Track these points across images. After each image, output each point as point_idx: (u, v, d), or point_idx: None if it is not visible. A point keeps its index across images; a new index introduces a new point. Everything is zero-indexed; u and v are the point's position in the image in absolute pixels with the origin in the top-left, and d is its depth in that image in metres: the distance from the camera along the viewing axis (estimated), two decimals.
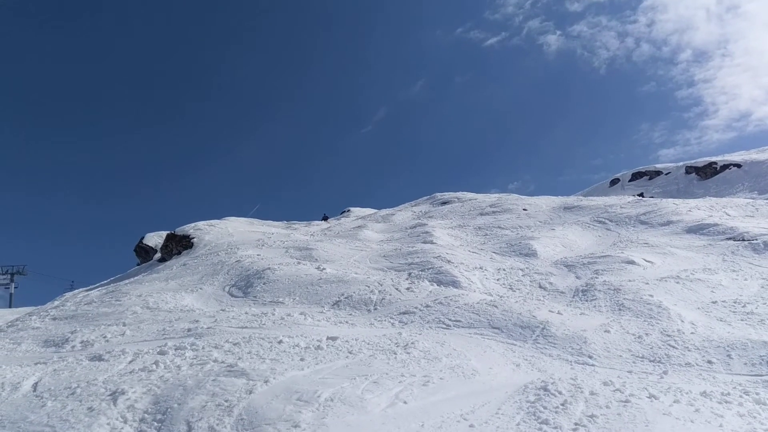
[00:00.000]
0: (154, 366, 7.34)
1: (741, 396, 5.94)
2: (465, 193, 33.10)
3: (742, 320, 9.11)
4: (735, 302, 10.04)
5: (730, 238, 14.98)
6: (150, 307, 12.06)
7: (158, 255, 25.11)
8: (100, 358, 8.09)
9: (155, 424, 5.62)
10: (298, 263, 15.59)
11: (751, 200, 22.32)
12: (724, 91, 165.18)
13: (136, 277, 18.72)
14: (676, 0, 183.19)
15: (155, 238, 27.13)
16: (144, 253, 27.13)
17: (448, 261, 14.50)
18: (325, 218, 35.85)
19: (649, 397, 5.70)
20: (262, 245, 19.90)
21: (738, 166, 41.32)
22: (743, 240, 14.52)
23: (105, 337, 9.63)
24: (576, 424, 5.10)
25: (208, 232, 24.09)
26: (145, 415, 5.82)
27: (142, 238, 27.66)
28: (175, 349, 8.16)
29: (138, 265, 26.79)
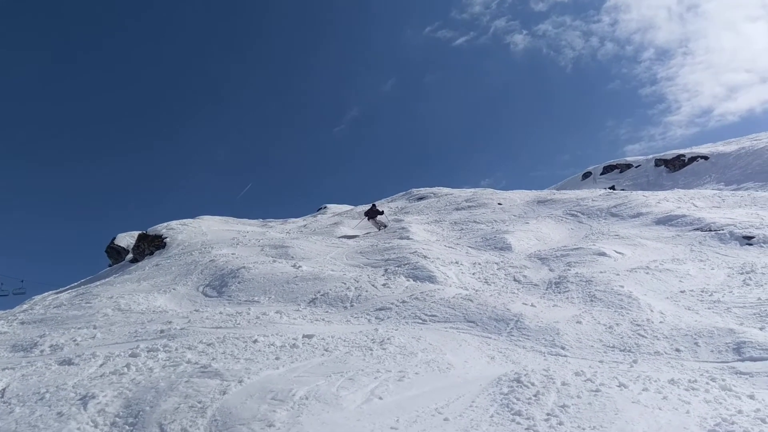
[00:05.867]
0: (125, 369, 7.21)
1: (708, 383, 6.10)
2: (441, 188, 33.20)
3: (709, 309, 9.37)
4: (702, 291, 10.31)
5: (697, 229, 15.36)
6: (122, 309, 11.84)
7: (130, 256, 24.67)
8: (69, 362, 7.91)
9: (127, 428, 5.52)
10: (274, 261, 15.47)
11: (718, 191, 22.91)
12: (686, 89, 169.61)
13: (107, 279, 18.37)
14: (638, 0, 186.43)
15: (127, 239, 26.64)
16: (115, 254, 26.63)
17: (425, 256, 14.57)
18: (372, 213, 21.67)
19: (618, 386, 5.82)
20: (237, 244, 19.69)
21: (705, 158, 42.30)
22: (710, 230, 14.90)
23: (75, 340, 9.43)
24: (548, 414, 5.18)
25: (181, 231, 23.76)
26: (117, 419, 5.71)
27: (114, 238, 27.14)
28: (148, 351, 8.02)
29: (109, 266, 26.29)
